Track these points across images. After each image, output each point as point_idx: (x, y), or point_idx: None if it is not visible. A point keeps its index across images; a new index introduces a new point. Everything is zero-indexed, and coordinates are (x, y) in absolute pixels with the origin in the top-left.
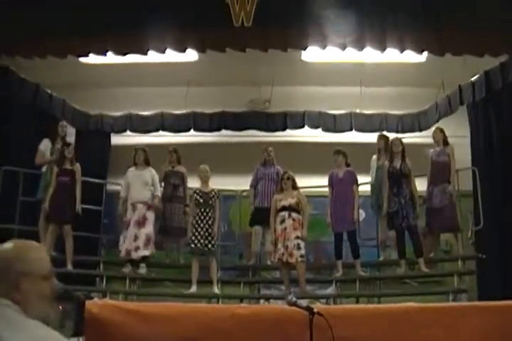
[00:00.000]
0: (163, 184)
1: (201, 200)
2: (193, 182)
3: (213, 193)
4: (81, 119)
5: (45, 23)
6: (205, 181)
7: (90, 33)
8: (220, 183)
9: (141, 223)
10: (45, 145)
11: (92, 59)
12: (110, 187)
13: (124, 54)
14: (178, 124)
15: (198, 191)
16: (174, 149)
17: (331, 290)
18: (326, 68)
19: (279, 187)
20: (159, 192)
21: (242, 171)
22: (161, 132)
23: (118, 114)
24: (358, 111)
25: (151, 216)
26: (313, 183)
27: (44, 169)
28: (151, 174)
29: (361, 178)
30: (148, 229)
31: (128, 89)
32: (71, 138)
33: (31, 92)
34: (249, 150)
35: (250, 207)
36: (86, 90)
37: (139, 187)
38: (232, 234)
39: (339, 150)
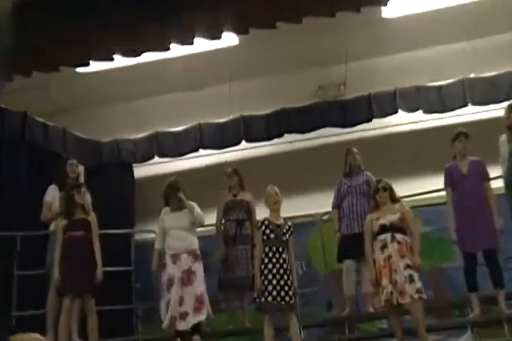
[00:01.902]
0: (223, 221)
1: (272, 236)
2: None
3: (288, 226)
4: (90, 151)
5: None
6: (275, 209)
7: (89, 32)
8: (289, 207)
9: (187, 280)
10: (51, 193)
11: (92, 67)
12: (140, 237)
13: (137, 54)
14: (223, 137)
15: (266, 223)
16: (234, 170)
17: (466, 339)
18: (418, 23)
19: (373, 203)
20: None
21: (318, 187)
22: (201, 151)
23: (139, 136)
24: (472, 75)
25: (199, 268)
26: (418, 189)
27: (52, 227)
28: (192, 215)
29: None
30: (199, 286)
31: (147, 101)
32: (80, 178)
33: (17, 124)
34: (324, 158)
35: (336, 235)
36: (90, 111)
37: (179, 232)
38: (314, 275)
39: (461, 133)
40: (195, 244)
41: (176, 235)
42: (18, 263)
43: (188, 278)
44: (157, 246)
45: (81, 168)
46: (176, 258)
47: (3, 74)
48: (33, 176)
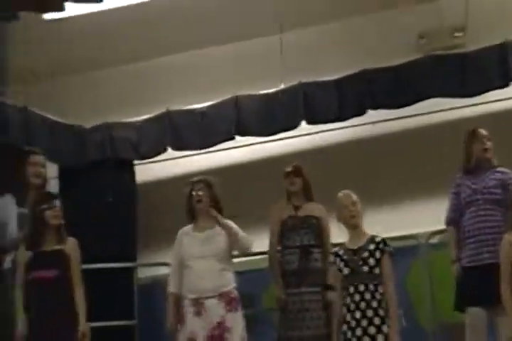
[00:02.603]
0: (279, 248)
1: (346, 271)
2: None
3: (374, 245)
4: (68, 143)
5: None
6: (353, 226)
7: None
8: (374, 224)
9: (218, 338)
10: (4, 211)
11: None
12: (147, 273)
13: None
14: (272, 116)
15: (341, 252)
16: (296, 169)
17: None
18: None
19: None
20: None
21: (418, 191)
22: (238, 139)
23: (142, 117)
24: None
25: (238, 321)
26: None
27: (8, 264)
28: (232, 237)
29: None
30: None
31: (153, 62)
32: (52, 185)
33: None
34: (427, 145)
35: (453, 268)
36: (65, 80)
37: (205, 264)
38: (418, 332)
39: None
40: (231, 283)
41: (201, 268)
42: None
43: (219, 337)
44: (172, 289)
45: (52, 169)
46: (199, 306)
47: None
48: None
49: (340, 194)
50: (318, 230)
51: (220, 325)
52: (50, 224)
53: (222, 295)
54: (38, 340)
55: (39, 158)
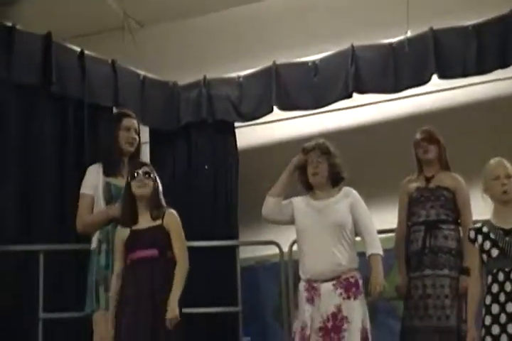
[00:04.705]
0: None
1: (495, 253)
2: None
3: None
4: (160, 102)
5: None
6: (505, 200)
7: None
8: None
9: (333, 331)
10: (93, 181)
11: None
12: (251, 253)
13: None
14: (398, 71)
15: (485, 229)
16: (429, 133)
17: None
18: None
19: None
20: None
21: None
22: (355, 98)
23: (245, 72)
24: None
25: (359, 310)
26: None
27: (95, 241)
28: (353, 202)
29: None
30: None
31: (258, 7)
32: (144, 154)
33: (36, 48)
34: None
35: None
36: (157, 30)
37: (322, 237)
38: None
39: None
40: (352, 263)
41: (317, 244)
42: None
43: (334, 328)
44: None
45: (142, 133)
46: (313, 290)
47: None
48: (57, 147)
49: (491, 161)
50: (450, 203)
51: (335, 315)
52: (137, 196)
53: (338, 279)
54: (131, 331)
55: (132, 122)
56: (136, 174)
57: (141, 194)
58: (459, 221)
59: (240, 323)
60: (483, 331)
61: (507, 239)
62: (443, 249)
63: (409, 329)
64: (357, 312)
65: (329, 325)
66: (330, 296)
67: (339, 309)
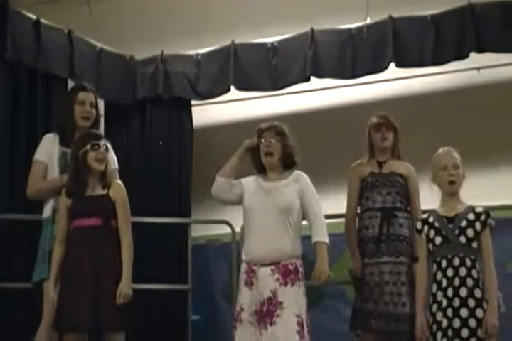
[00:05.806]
0: (358, 210)
1: (438, 240)
2: None
3: (473, 215)
4: (117, 76)
5: None
6: (451, 191)
7: None
8: (481, 192)
9: (267, 316)
10: (47, 149)
11: None
12: (203, 232)
13: None
14: (356, 57)
15: (431, 219)
16: (388, 119)
17: None
18: None
19: None
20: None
21: None
22: (313, 82)
23: (203, 50)
24: None
25: (294, 296)
26: None
27: (49, 210)
28: (302, 187)
29: None
30: (288, 329)
31: None
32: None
33: None
34: None
35: None
36: (117, 2)
37: (267, 219)
38: None
39: None
40: (294, 251)
41: (261, 227)
42: None
43: (268, 312)
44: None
45: (99, 106)
46: (252, 273)
47: None
48: (9, 114)
49: (440, 151)
50: (404, 191)
51: (271, 300)
52: (92, 168)
53: (277, 265)
54: (72, 306)
55: (88, 96)
56: (97, 146)
57: (100, 169)
58: (408, 209)
59: (190, 301)
60: (430, 319)
61: (450, 226)
62: (399, 236)
63: (362, 312)
64: (292, 298)
65: (264, 309)
66: (267, 281)
67: (274, 294)
